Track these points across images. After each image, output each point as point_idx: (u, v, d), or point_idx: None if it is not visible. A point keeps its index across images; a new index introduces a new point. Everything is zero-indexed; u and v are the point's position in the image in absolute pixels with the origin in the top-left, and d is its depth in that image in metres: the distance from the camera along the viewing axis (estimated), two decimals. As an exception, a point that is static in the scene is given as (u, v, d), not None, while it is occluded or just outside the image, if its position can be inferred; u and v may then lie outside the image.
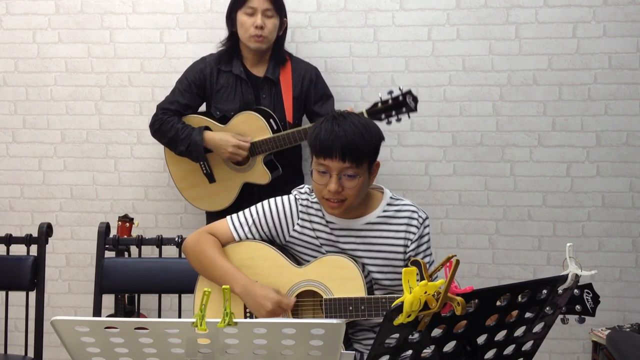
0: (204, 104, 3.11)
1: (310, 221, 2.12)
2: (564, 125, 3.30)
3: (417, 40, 3.32)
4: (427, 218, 2.12)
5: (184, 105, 3.00)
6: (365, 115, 2.74)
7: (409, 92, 2.74)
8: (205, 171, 3.02)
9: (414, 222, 2.09)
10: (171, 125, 2.95)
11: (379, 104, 2.77)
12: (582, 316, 1.85)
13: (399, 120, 2.76)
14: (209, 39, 3.37)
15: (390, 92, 2.72)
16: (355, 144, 1.94)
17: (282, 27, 3.00)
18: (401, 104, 2.73)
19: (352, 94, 3.36)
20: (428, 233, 2.12)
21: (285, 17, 3.01)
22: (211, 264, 2.07)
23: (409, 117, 2.76)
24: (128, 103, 3.46)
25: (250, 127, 2.92)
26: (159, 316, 2.69)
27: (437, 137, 3.35)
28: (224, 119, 2.98)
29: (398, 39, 3.33)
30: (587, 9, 3.24)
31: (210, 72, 2.99)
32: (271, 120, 2.92)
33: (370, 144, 1.98)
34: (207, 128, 2.96)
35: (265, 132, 2.90)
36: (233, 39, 3.00)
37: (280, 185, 2.82)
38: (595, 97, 3.28)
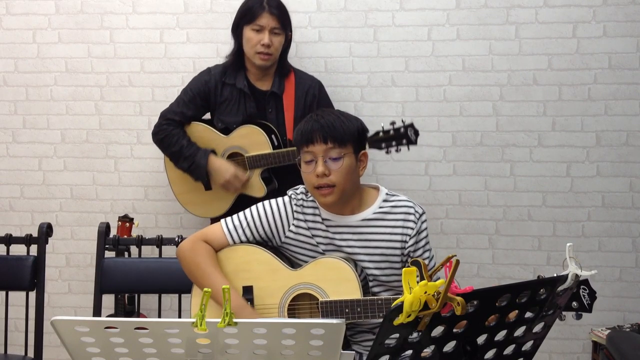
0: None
1: (306, 220, 2.12)
2: (564, 125, 3.30)
3: (417, 40, 3.32)
4: (423, 213, 2.13)
5: (189, 116, 3.01)
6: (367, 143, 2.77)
7: (411, 125, 2.77)
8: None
9: (411, 218, 2.09)
10: (176, 140, 2.96)
11: (381, 133, 2.80)
12: (579, 312, 1.85)
13: (398, 150, 2.79)
14: (209, 39, 3.37)
15: (393, 123, 2.76)
16: (334, 126, 2.03)
17: (286, 41, 2.99)
18: (402, 136, 2.76)
19: (352, 94, 3.36)
20: (426, 228, 2.12)
21: (290, 31, 3.00)
22: (203, 278, 2.05)
23: (408, 148, 2.79)
24: (128, 103, 3.46)
25: (252, 140, 2.93)
26: (159, 316, 2.69)
27: (437, 137, 3.35)
28: (226, 130, 2.99)
29: (398, 39, 3.33)
30: (587, 9, 3.24)
31: (214, 84, 2.99)
32: (273, 136, 2.93)
33: (350, 127, 2.06)
34: (213, 151, 2.97)
35: (266, 147, 2.91)
36: (239, 52, 2.99)
37: (281, 195, 2.83)
38: (595, 97, 3.28)
